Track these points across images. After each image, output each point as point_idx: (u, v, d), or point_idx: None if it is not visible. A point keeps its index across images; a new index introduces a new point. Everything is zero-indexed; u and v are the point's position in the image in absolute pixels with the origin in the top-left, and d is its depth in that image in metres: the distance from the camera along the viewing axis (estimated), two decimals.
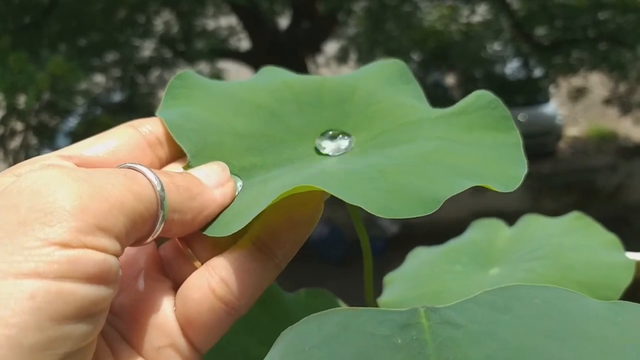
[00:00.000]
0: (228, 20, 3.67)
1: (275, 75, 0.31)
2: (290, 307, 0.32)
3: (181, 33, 3.36)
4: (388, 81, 0.31)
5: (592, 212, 0.38)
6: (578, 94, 3.94)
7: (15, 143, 2.73)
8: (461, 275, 0.37)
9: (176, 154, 0.26)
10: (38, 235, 0.18)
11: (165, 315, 0.23)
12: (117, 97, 3.32)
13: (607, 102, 3.87)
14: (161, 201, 0.21)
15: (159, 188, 0.22)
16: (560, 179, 4.16)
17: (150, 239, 0.22)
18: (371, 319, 0.17)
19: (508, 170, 0.23)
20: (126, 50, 3.10)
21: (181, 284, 0.24)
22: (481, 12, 3.65)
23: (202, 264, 0.24)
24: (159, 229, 0.22)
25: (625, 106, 3.77)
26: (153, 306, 0.23)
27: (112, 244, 0.20)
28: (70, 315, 0.18)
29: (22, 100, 2.34)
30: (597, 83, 4.05)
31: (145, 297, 0.23)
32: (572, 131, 5.04)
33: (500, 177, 0.23)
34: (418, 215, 0.21)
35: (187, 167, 0.25)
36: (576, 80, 3.91)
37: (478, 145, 0.25)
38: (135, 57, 3.14)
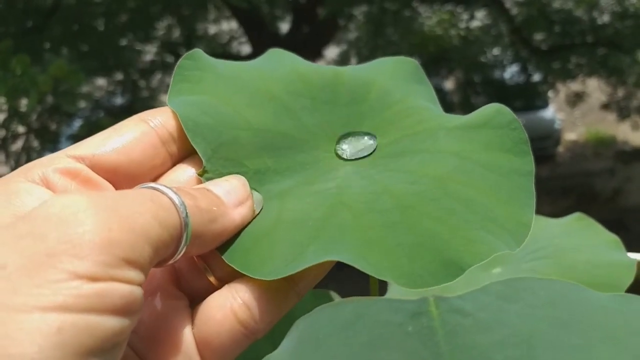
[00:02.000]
0: (229, 25, 3.68)
1: (285, 60, 0.31)
2: (295, 307, 0.32)
3: (182, 37, 3.37)
4: (403, 80, 0.31)
5: (591, 216, 0.38)
6: (576, 98, 3.95)
7: (17, 146, 2.73)
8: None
9: (188, 148, 0.26)
10: (66, 268, 0.18)
11: (183, 334, 0.23)
12: (119, 100, 3.33)
13: (606, 106, 3.88)
14: (185, 226, 0.21)
15: (184, 214, 0.21)
16: (559, 183, 4.17)
17: (170, 262, 0.22)
18: (384, 307, 0.18)
19: (519, 214, 0.24)
20: (128, 54, 3.10)
21: (196, 297, 0.24)
22: (480, 17, 3.67)
23: (216, 278, 0.24)
24: (180, 253, 0.22)
25: (623, 111, 3.79)
26: (171, 324, 0.23)
27: (138, 275, 0.19)
28: (95, 348, 0.18)
29: (24, 103, 2.35)
30: (596, 88, 4.06)
31: (163, 315, 0.23)
32: (571, 136, 5.04)
33: (511, 224, 0.23)
34: (443, 284, 0.21)
35: (203, 172, 0.25)
36: (575, 85, 3.92)
37: (493, 170, 0.25)
38: (137, 61, 3.15)
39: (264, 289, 0.23)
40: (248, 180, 0.25)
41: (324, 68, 0.31)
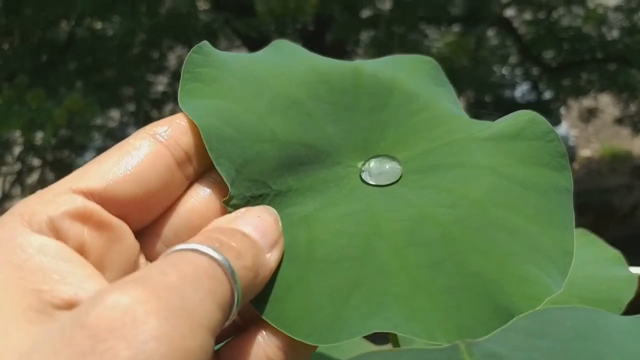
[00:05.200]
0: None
1: (297, 55, 0.29)
2: None
3: None
4: (424, 82, 0.29)
5: (609, 232, 0.38)
6: (589, 115, 3.93)
7: (32, 179, 2.78)
8: None
9: (205, 163, 0.23)
10: None
11: None
12: (132, 131, 3.37)
13: (619, 121, 3.85)
14: (237, 301, 0.19)
15: (235, 283, 0.19)
16: (576, 200, 4.11)
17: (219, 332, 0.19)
18: (414, 359, 0.17)
19: (561, 240, 0.23)
20: (141, 85, 3.16)
21: (221, 339, 0.22)
22: (488, 37, 3.69)
23: (240, 317, 0.22)
24: (229, 323, 0.20)
25: (637, 125, 3.75)
26: None
27: None
28: None
29: (39, 136, 2.39)
30: (609, 103, 4.04)
31: None
32: (586, 152, 5.00)
33: (555, 254, 0.22)
34: (492, 333, 0.20)
35: (229, 200, 0.23)
36: (587, 101, 3.90)
37: (533, 188, 0.24)
38: (150, 92, 3.21)
39: None
40: (269, 204, 0.23)
41: (341, 65, 0.29)
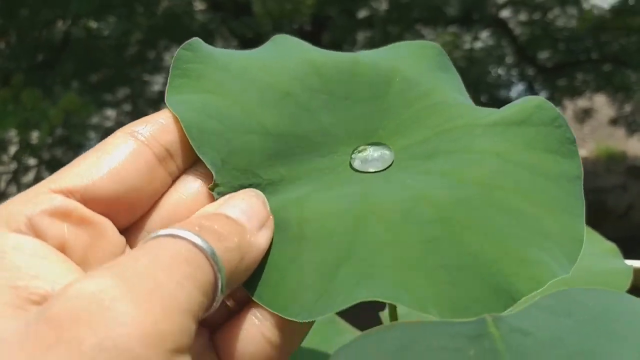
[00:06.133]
0: None
1: (294, 49, 0.28)
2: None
3: None
4: (427, 69, 0.28)
5: (604, 232, 0.38)
6: (585, 115, 3.94)
7: (28, 178, 2.77)
8: None
9: (191, 159, 0.23)
10: None
11: None
12: None
13: (614, 121, 3.87)
14: (221, 284, 0.19)
15: (217, 267, 0.19)
16: None
17: (204, 316, 0.19)
18: (437, 332, 0.17)
19: (571, 227, 0.21)
20: (137, 85, 3.16)
21: (214, 325, 0.22)
22: (484, 38, 3.70)
23: (233, 300, 0.22)
24: (216, 307, 0.19)
25: (632, 125, 3.77)
26: None
27: (187, 357, 0.17)
28: None
29: (35, 135, 2.39)
30: (604, 103, 4.05)
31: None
32: (581, 152, 4.99)
33: (564, 240, 0.21)
34: (490, 313, 0.18)
35: (214, 186, 0.22)
36: (582, 102, 3.92)
37: (540, 174, 0.23)
38: (146, 92, 3.21)
39: None
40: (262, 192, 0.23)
41: (339, 56, 0.28)
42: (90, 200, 0.21)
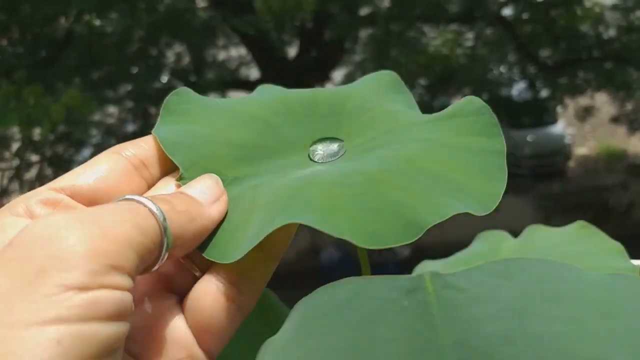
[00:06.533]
0: (238, 51, 3.74)
1: (271, 91, 0.32)
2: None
3: (192, 64, 3.43)
4: (381, 90, 0.31)
5: (605, 230, 0.38)
6: (586, 113, 3.94)
7: (30, 174, 2.78)
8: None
9: (165, 172, 0.27)
10: (56, 282, 0.19)
11: (179, 328, 0.23)
12: (130, 127, 3.38)
13: (615, 120, 3.87)
14: (164, 231, 0.22)
15: (161, 219, 0.22)
16: (572, 199, 4.14)
17: (156, 267, 0.22)
18: (380, 285, 0.19)
19: (489, 186, 0.24)
20: (139, 82, 3.16)
21: (185, 294, 0.24)
22: (486, 36, 3.69)
23: (201, 271, 0.25)
24: (164, 257, 0.22)
25: (633, 124, 3.77)
26: (165, 323, 0.24)
27: (126, 281, 0.20)
28: (95, 356, 0.19)
29: (37, 132, 2.40)
30: (605, 102, 4.05)
31: (155, 316, 0.24)
32: (582, 150, 5.02)
33: (480, 194, 0.24)
34: (402, 243, 0.21)
35: (180, 179, 0.26)
36: (583, 100, 3.92)
37: (463, 150, 0.26)
38: (148, 89, 3.21)
39: (242, 264, 0.24)
40: (226, 187, 0.26)
41: (306, 90, 0.32)
42: (77, 195, 0.25)
